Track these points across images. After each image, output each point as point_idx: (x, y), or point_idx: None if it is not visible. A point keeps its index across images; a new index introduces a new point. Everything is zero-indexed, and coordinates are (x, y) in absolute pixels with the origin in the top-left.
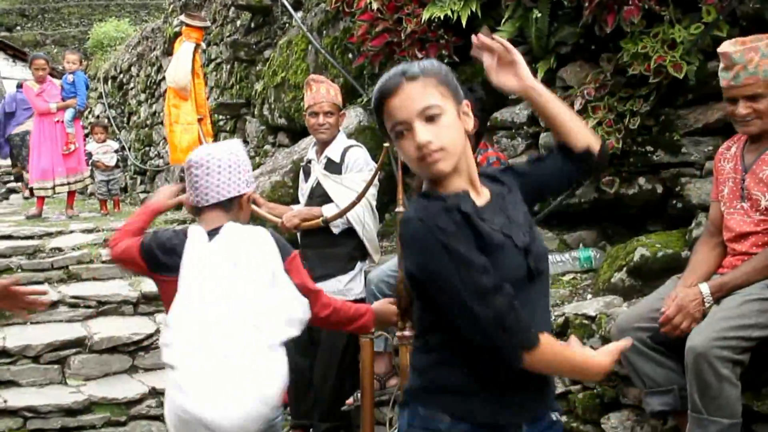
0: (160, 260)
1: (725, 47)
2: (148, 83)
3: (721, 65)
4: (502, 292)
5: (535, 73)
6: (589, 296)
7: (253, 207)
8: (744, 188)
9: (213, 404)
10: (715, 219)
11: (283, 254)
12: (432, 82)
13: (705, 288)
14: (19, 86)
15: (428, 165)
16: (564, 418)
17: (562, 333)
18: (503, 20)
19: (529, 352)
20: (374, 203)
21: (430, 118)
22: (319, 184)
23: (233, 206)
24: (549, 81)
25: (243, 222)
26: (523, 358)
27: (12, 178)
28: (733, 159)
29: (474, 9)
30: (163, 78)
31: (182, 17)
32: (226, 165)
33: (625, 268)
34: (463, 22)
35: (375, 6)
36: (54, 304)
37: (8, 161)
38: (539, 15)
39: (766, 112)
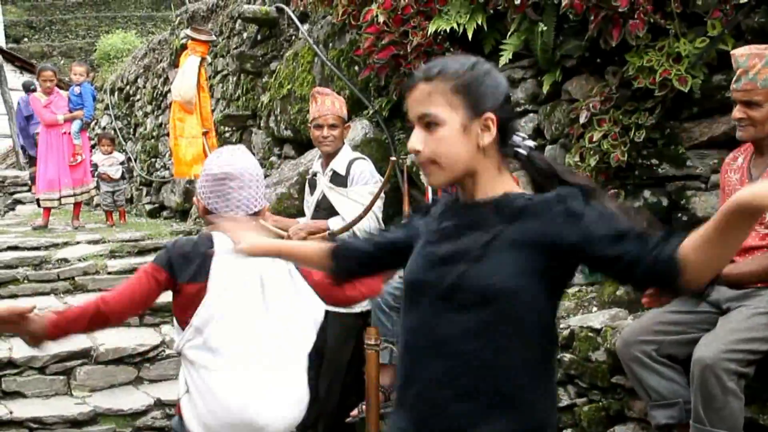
0: (185, 268)
1: (736, 49)
2: (155, 95)
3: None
4: None
5: (540, 85)
6: (595, 309)
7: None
8: None
9: (264, 408)
10: None
11: None
12: (444, 88)
13: None
14: (27, 89)
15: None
16: (569, 431)
17: (567, 345)
18: (509, 33)
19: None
20: (380, 216)
21: (428, 126)
22: (324, 196)
23: (257, 218)
24: (554, 94)
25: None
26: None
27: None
28: (740, 170)
29: (480, 22)
30: (170, 90)
31: (188, 31)
32: (256, 179)
33: None
34: (469, 35)
35: (381, 19)
36: None
37: (14, 172)
38: (545, 28)
39: (760, 121)
